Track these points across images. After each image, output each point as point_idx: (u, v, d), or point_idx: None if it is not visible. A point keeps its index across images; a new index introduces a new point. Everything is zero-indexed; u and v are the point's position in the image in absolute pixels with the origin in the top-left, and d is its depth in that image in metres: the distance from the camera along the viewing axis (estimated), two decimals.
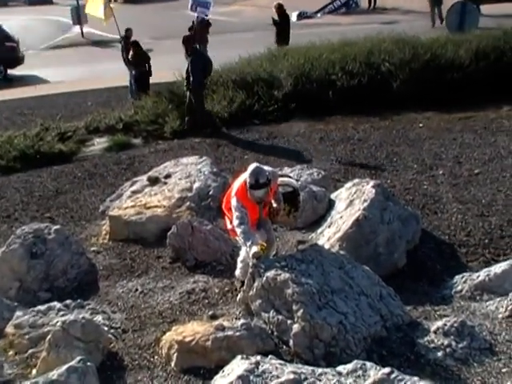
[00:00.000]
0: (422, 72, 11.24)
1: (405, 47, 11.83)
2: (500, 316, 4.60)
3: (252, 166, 4.88)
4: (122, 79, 13.97)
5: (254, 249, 4.63)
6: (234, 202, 4.89)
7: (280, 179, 5.42)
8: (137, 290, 5.65)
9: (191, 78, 10.68)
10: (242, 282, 5.02)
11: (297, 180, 7.00)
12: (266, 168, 5.06)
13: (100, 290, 5.76)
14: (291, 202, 5.36)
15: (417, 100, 10.88)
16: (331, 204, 6.76)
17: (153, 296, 5.51)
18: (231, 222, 4.97)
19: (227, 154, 9.84)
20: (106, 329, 4.86)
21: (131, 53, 12.81)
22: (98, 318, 5.01)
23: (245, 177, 4.89)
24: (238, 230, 4.79)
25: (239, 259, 5.36)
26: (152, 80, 13.16)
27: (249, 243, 4.70)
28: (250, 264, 4.71)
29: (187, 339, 4.35)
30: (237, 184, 5.02)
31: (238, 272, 5.39)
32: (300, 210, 5.59)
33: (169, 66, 12.94)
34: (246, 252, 4.86)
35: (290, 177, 6.06)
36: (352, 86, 11.35)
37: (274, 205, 5.18)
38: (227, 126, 11.17)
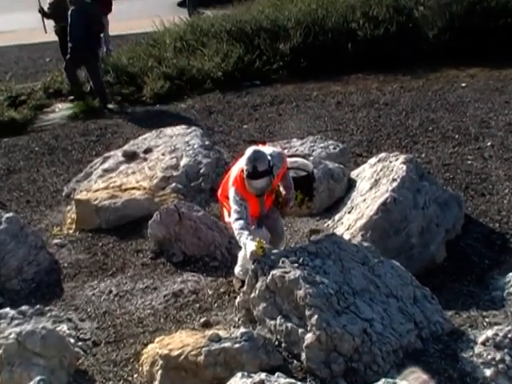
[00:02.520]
0: (465, 18, 11.19)
1: None
2: None
3: (249, 150, 4.80)
4: None
5: (251, 247, 4.57)
6: (231, 193, 4.85)
7: (290, 160, 5.37)
8: (111, 292, 5.64)
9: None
10: (243, 282, 5.00)
11: (308, 155, 6.97)
12: (270, 149, 5.00)
13: (65, 292, 5.74)
14: (304, 190, 5.32)
15: (459, 53, 10.84)
16: (351, 184, 6.76)
17: (131, 299, 5.50)
18: (230, 215, 4.93)
19: (221, 123, 9.80)
20: (72, 341, 4.83)
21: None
22: (63, 328, 4.98)
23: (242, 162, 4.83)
24: (234, 227, 4.76)
25: (240, 254, 5.31)
26: (120, 31, 13.02)
27: (246, 241, 4.64)
28: (251, 264, 4.69)
29: (174, 353, 4.33)
30: (235, 170, 4.97)
31: (237, 269, 5.38)
32: (315, 198, 5.56)
33: (140, 12, 12.85)
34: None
35: (303, 157, 6.00)
36: (377, 37, 11.30)
37: (283, 192, 5.14)
38: (221, 89, 11.13)
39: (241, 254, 5.30)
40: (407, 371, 4.05)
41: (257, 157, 4.72)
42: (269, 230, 5.21)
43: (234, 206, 4.79)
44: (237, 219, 4.74)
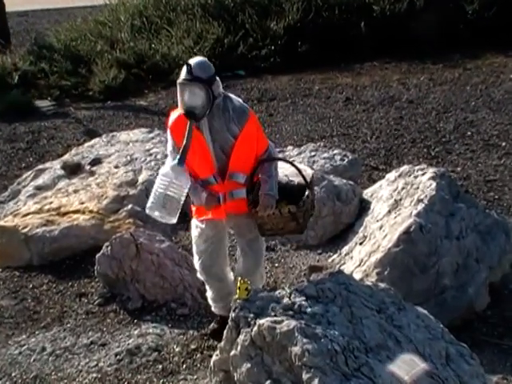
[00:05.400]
0: None
1: None
2: None
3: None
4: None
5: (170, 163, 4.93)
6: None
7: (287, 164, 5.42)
8: (44, 349, 5.60)
9: None
10: (222, 320, 5.05)
11: (307, 167, 7.01)
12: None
13: None
14: (292, 199, 5.29)
15: (506, 35, 10.91)
16: (364, 207, 6.79)
17: (71, 360, 5.45)
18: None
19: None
20: None
21: None
22: None
23: None
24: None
25: (209, 295, 5.50)
26: (59, 3, 13.11)
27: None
28: (232, 302, 4.71)
29: None
30: None
31: (213, 308, 5.53)
32: (304, 213, 5.47)
33: None
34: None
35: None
36: (397, 14, 11.42)
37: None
38: None
39: (209, 288, 5.45)
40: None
41: (197, 61, 4.99)
42: (241, 249, 5.38)
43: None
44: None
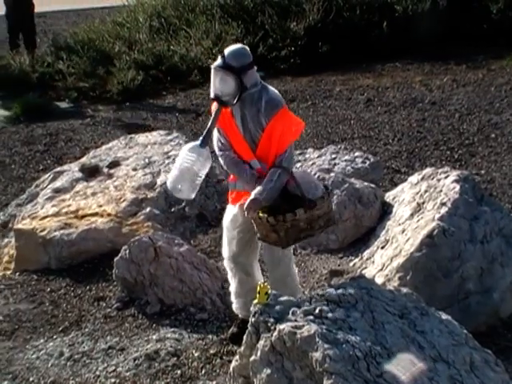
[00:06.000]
0: None
1: None
2: None
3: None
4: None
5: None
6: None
7: (304, 175, 5.37)
8: (62, 354, 5.58)
9: None
10: (242, 324, 5.05)
11: (328, 170, 6.97)
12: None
13: None
14: (291, 205, 5.17)
15: None
16: (386, 210, 6.78)
17: (89, 364, 5.44)
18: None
19: None
20: None
21: None
22: None
23: None
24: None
25: (232, 289, 5.49)
26: (76, 3, 13.20)
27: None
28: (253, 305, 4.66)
29: None
30: None
31: (234, 305, 5.51)
32: (288, 228, 5.27)
33: None
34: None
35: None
36: (421, 13, 11.36)
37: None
38: None
39: (233, 280, 5.44)
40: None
41: (233, 49, 5.13)
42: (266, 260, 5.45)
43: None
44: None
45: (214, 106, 5.18)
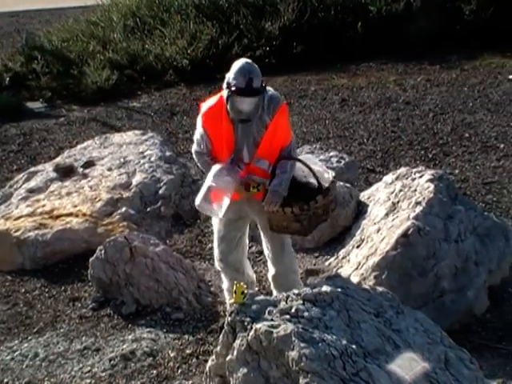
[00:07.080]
0: None
1: None
2: None
3: (240, 62, 5.02)
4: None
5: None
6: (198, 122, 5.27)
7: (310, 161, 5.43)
8: (37, 355, 5.58)
9: None
10: None
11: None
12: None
13: None
14: (307, 200, 5.25)
15: (504, 35, 10.91)
16: (361, 209, 6.79)
17: (64, 365, 5.43)
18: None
19: (188, 128, 9.80)
20: None
21: None
22: None
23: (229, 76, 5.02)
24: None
25: (225, 287, 5.60)
26: (50, 3, 13.15)
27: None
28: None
29: None
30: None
31: (229, 302, 5.50)
32: (310, 216, 5.44)
33: None
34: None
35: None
36: (394, 14, 11.42)
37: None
38: (187, 82, 11.15)
39: (225, 279, 5.56)
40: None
41: (252, 69, 4.95)
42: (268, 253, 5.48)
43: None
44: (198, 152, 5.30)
45: (207, 108, 5.13)
